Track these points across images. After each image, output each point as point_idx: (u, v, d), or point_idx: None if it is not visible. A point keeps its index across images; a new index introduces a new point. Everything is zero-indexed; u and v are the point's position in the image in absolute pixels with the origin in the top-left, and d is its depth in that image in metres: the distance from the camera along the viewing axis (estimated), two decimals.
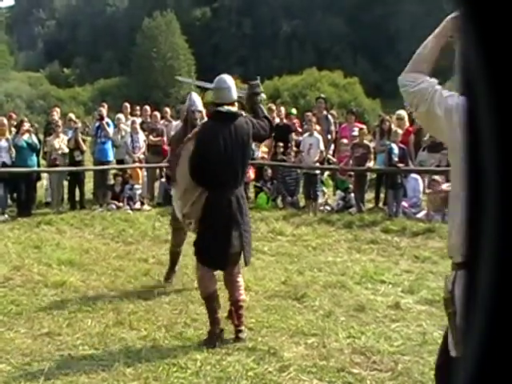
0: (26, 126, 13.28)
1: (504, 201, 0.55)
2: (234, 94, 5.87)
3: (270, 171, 13.32)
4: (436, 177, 11.51)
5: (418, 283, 7.35)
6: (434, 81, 2.71)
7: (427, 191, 11.85)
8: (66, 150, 13.53)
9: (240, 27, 68.19)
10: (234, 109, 5.85)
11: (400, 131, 12.14)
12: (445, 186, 11.00)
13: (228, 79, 5.95)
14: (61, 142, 13.48)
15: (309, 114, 13.84)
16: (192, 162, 5.57)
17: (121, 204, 13.21)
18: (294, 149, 13.57)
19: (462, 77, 0.61)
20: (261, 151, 13.85)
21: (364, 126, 14.21)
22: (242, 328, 5.69)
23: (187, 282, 7.54)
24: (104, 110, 14.53)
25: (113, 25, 71.12)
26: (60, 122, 14.10)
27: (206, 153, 5.56)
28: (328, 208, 12.58)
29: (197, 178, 5.61)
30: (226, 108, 5.73)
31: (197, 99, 7.22)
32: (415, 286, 7.22)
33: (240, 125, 5.69)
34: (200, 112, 7.20)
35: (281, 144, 13.49)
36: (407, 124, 13.17)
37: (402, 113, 13.28)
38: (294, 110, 16.39)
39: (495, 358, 0.55)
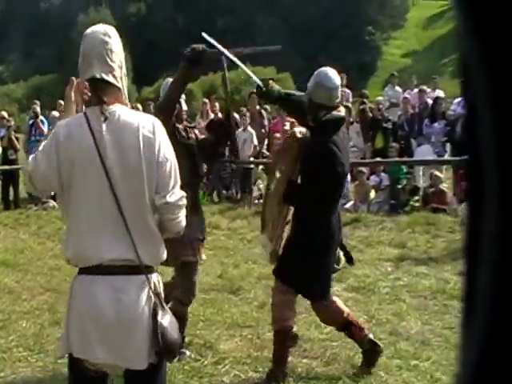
0: None
1: (505, 201, 0.54)
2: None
3: (205, 166, 13.35)
4: (362, 168, 11.79)
5: (346, 271, 7.51)
6: None
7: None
8: None
9: (175, 22, 67.69)
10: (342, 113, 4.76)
11: None
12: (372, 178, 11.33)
13: (334, 75, 4.65)
14: None
15: (243, 109, 13.95)
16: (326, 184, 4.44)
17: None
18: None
19: (463, 76, 0.60)
20: None
21: (295, 120, 14.37)
22: None
23: None
24: (38, 108, 14.35)
25: (48, 20, 69.62)
26: None
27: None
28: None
29: (324, 202, 4.53)
30: (342, 115, 4.70)
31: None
32: (343, 274, 7.35)
33: (346, 131, 4.82)
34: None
35: None
36: None
37: None
38: None
39: (495, 361, 0.54)
